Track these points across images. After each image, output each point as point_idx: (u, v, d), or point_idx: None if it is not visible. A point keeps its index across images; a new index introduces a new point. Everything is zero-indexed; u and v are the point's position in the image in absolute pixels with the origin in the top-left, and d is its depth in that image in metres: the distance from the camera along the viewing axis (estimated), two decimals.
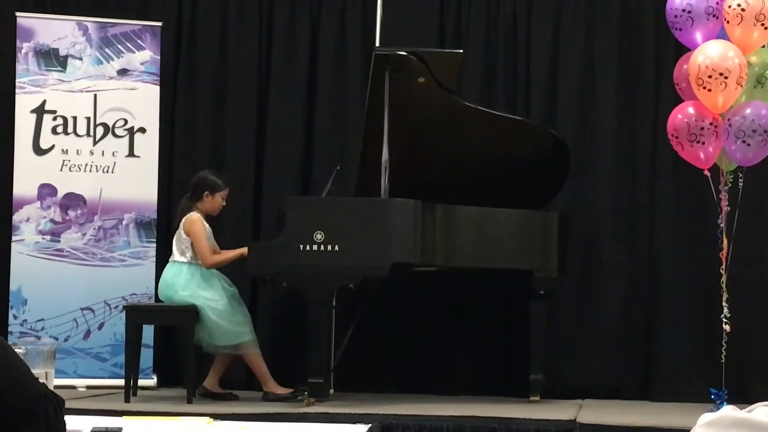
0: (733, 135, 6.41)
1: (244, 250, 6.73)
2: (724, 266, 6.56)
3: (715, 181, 6.55)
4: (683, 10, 6.42)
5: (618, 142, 7.48)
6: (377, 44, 7.36)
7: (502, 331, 7.45)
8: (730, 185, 6.58)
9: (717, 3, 6.41)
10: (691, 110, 6.48)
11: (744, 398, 6.57)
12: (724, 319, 6.53)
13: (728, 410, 2.79)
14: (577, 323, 7.40)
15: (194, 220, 6.85)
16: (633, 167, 7.47)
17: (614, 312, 7.37)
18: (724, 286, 6.55)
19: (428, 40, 7.54)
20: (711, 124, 6.43)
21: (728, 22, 6.36)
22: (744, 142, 6.40)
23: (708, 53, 6.31)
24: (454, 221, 6.65)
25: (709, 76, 6.25)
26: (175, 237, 6.92)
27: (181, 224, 6.89)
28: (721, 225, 6.56)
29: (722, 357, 6.52)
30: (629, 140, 7.49)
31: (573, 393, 7.20)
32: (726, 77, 6.24)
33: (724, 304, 6.54)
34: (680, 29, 6.48)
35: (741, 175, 6.57)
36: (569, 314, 7.39)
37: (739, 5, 6.31)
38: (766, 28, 6.38)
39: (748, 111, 6.43)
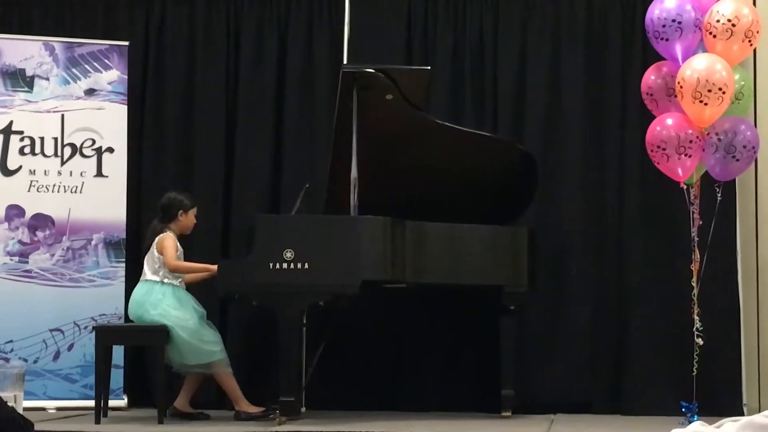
0: (723, 150, 6.46)
1: (213, 267, 6.72)
2: (695, 279, 6.59)
3: (688, 195, 6.59)
4: (674, 20, 6.45)
5: (585, 157, 7.50)
6: (345, 62, 7.38)
7: (472, 347, 7.46)
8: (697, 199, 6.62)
9: (701, 15, 6.45)
10: (672, 122, 6.50)
11: (714, 411, 6.62)
12: (696, 332, 6.55)
13: (697, 426, 2.80)
14: (548, 338, 7.41)
15: (166, 237, 6.86)
16: (601, 181, 7.50)
17: (584, 326, 7.38)
18: (695, 299, 6.57)
19: (395, 57, 7.55)
20: (697, 137, 6.47)
21: (714, 36, 6.38)
22: (734, 157, 6.46)
23: (701, 67, 6.33)
24: (424, 238, 6.66)
25: (709, 90, 6.28)
26: (146, 257, 6.90)
27: (154, 243, 6.87)
28: (695, 238, 6.59)
29: (694, 370, 6.55)
30: (597, 154, 7.52)
31: (544, 408, 7.22)
32: (724, 92, 6.29)
33: (695, 317, 6.57)
34: (666, 39, 6.49)
35: (719, 189, 6.61)
36: (540, 329, 7.40)
37: (729, 20, 6.35)
38: (751, 45, 6.44)
39: (737, 126, 6.48)
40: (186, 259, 6.97)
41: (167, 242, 6.84)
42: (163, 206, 6.97)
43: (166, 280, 6.85)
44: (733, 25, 6.36)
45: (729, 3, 6.46)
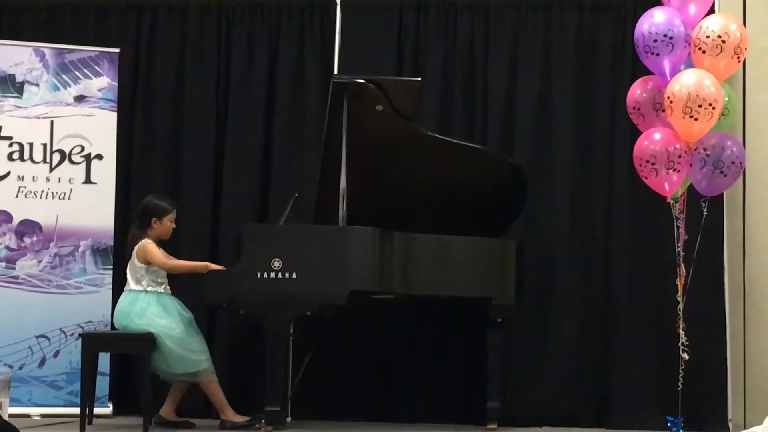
0: (711, 165, 6.47)
1: (207, 264, 6.72)
2: (681, 293, 6.60)
3: (673, 210, 6.61)
4: (665, 36, 6.46)
5: (574, 170, 7.50)
6: (335, 72, 7.38)
7: (459, 359, 7.45)
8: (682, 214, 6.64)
9: (690, 30, 6.47)
10: (660, 137, 6.51)
11: (700, 426, 6.63)
12: (682, 347, 6.56)
13: None
14: (534, 351, 7.40)
15: (146, 244, 6.85)
16: (589, 195, 7.50)
17: (571, 339, 7.38)
18: (681, 313, 6.58)
19: (386, 68, 7.55)
20: (686, 152, 6.48)
21: (704, 51, 6.39)
22: (722, 172, 6.48)
23: (690, 82, 6.32)
24: (413, 249, 6.66)
25: (699, 105, 6.29)
26: (129, 266, 6.89)
27: (134, 252, 6.86)
28: (680, 252, 6.60)
29: (679, 385, 6.55)
30: (585, 168, 7.51)
31: (530, 420, 7.21)
32: (714, 107, 6.31)
33: (681, 332, 6.57)
34: (657, 54, 6.49)
35: (705, 204, 6.62)
36: (526, 342, 7.39)
37: (719, 36, 6.36)
38: (739, 61, 6.46)
39: (724, 142, 6.50)
40: None
41: (149, 248, 6.83)
42: (139, 212, 6.99)
43: (150, 288, 6.83)
44: (723, 41, 6.38)
45: (717, 19, 6.49)
